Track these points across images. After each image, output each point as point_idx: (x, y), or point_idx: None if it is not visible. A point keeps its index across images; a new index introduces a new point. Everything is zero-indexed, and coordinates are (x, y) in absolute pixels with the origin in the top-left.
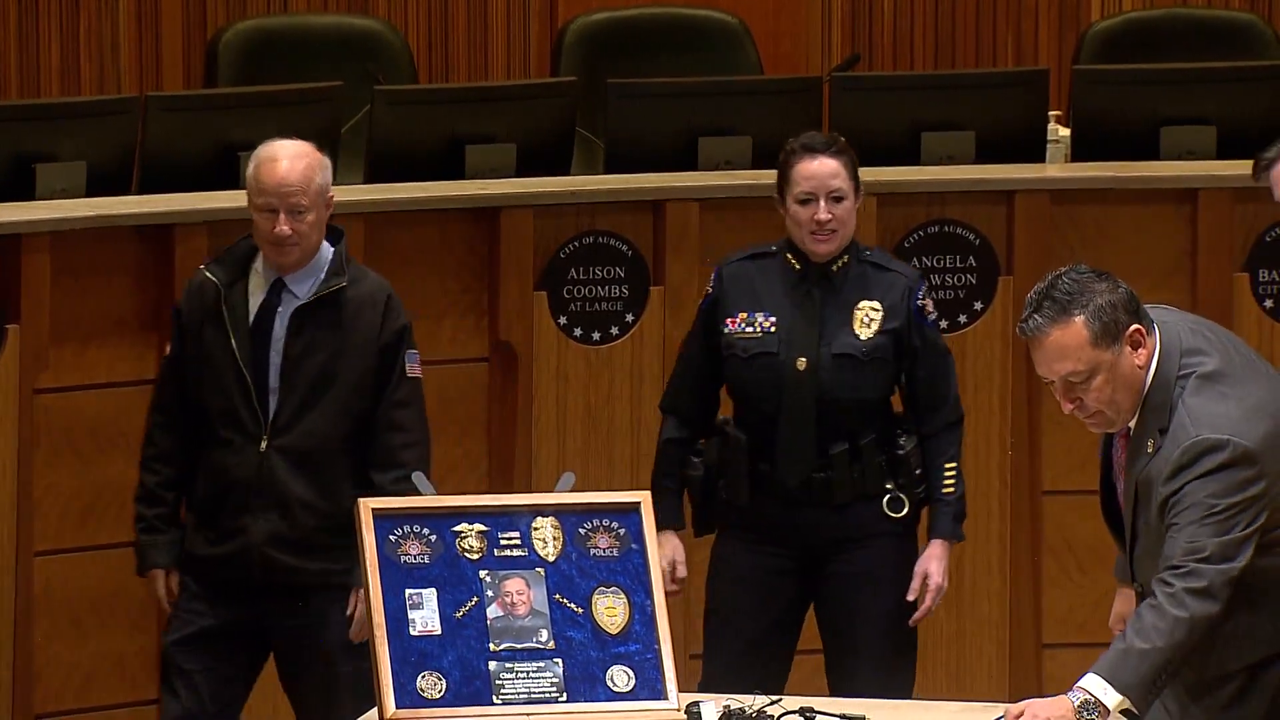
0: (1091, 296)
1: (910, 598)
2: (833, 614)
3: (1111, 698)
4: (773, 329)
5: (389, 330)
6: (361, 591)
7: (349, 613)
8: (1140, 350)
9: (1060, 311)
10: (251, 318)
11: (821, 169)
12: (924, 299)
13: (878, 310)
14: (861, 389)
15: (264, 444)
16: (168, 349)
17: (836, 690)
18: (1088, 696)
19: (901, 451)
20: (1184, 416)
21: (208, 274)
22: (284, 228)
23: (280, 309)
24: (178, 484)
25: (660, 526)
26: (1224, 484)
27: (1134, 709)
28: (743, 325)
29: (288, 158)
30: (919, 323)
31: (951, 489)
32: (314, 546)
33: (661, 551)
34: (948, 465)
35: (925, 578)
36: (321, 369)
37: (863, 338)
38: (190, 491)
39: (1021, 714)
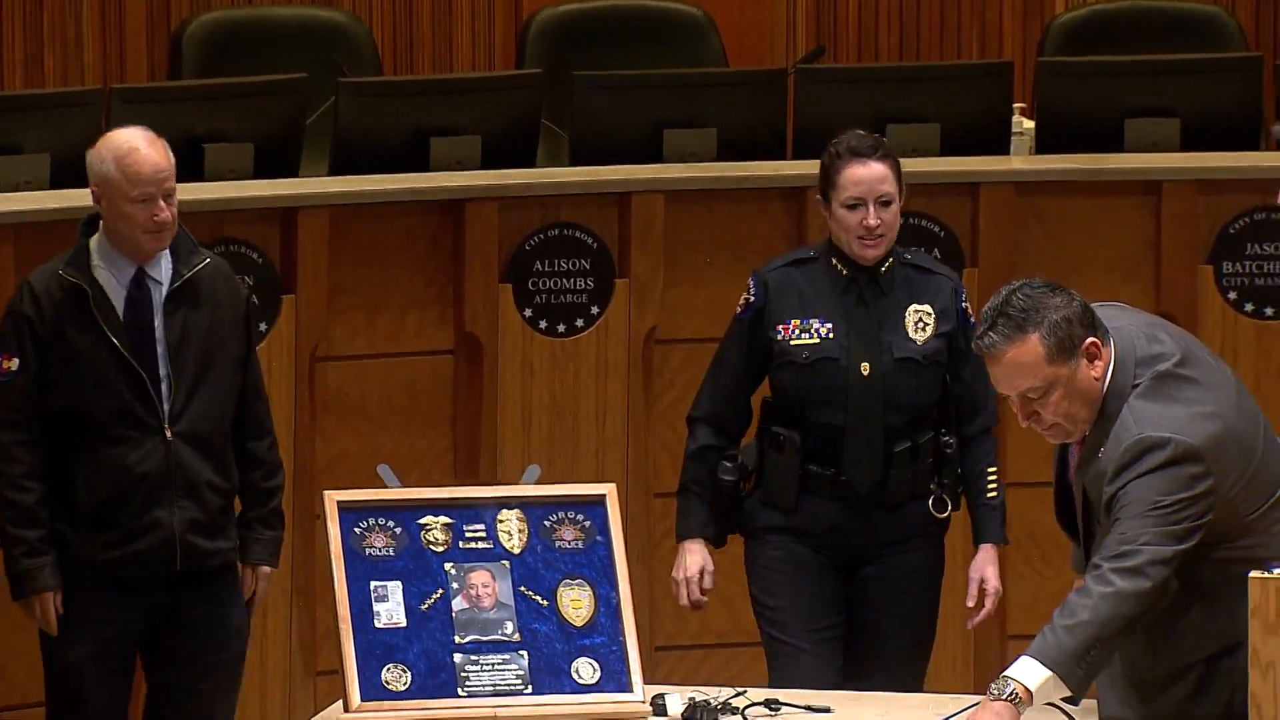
0: (1046, 313)
1: (970, 603)
2: (875, 612)
3: (1036, 673)
4: (830, 335)
5: (241, 299)
6: (263, 569)
7: (247, 592)
8: (1097, 362)
9: (1015, 329)
10: (121, 313)
11: (870, 174)
12: (966, 301)
13: (930, 314)
14: (922, 392)
15: (168, 434)
16: (7, 364)
17: (858, 685)
18: (1004, 678)
19: (949, 452)
20: (1128, 417)
21: (66, 278)
22: (166, 214)
23: (152, 298)
24: (49, 500)
25: (690, 534)
26: (1167, 481)
27: (1067, 688)
28: (798, 332)
29: (147, 144)
30: (965, 325)
31: (995, 493)
32: (220, 527)
33: (691, 559)
34: (990, 470)
35: (982, 582)
36: (201, 350)
37: (919, 341)
38: (68, 502)
39: None
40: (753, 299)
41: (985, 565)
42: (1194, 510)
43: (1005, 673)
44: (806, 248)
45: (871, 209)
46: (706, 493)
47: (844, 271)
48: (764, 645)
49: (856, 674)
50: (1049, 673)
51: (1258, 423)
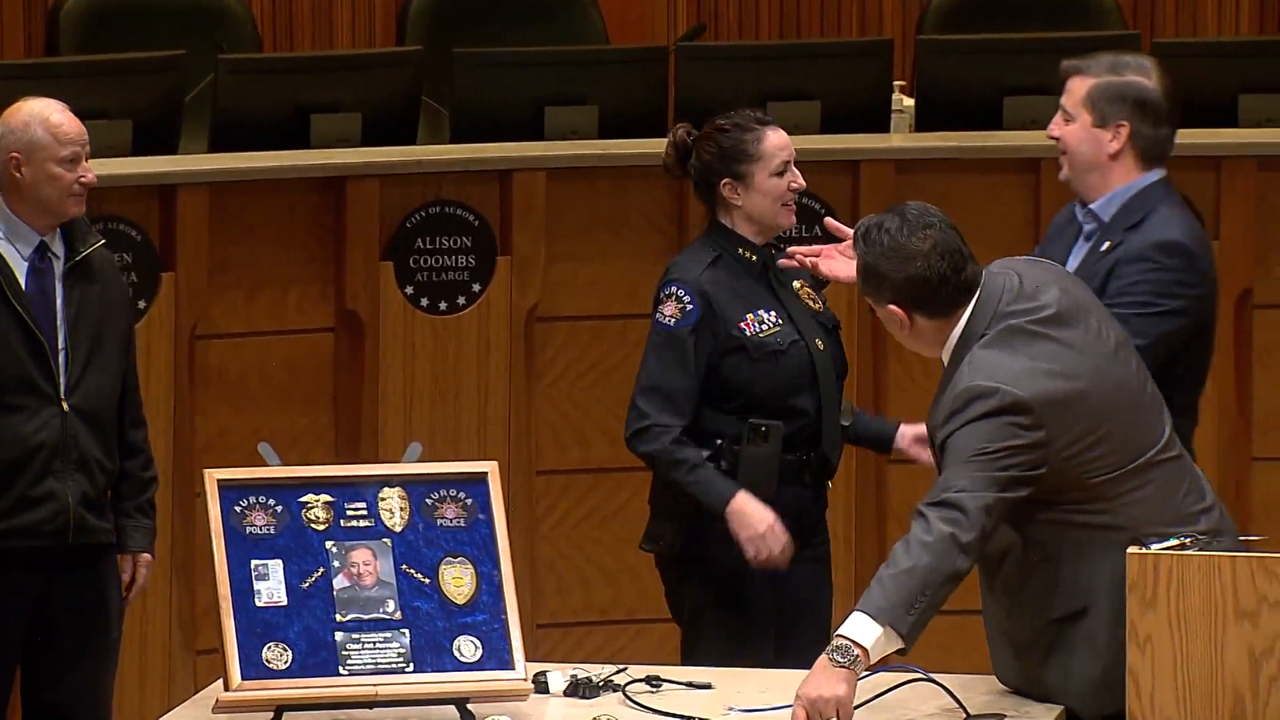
0: (900, 269)
1: None
2: (818, 587)
3: (868, 629)
4: (780, 322)
5: (125, 285)
6: (144, 557)
7: (126, 576)
8: (918, 323)
9: (860, 249)
10: (24, 282)
11: (787, 138)
12: None
13: (806, 286)
14: (845, 360)
15: (64, 405)
16: None
17: (792, 664)
18: (838, 642)
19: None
20: (965, 366)
21: None
22: (91, 175)
23: (54, 270)
24: None
25: (731, 491)
26: (992, 429)
27: (901, 640)
28: (759, 325)
29: (61, 109)
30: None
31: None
32: (103, 507)
33: (753, 508)
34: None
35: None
36: (95, 327)
37: (821, 311)
38: None
39: (804, 711)
40: (690, 309)
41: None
42: (1018, 460)
43: (840, 631)
44: (699, 248)
45: (795, 169)
46: (711, 463)
47: (753, 259)
48: (728, 636)
49: (798, 648)
50: (880, 628)
51: (1127, 392)
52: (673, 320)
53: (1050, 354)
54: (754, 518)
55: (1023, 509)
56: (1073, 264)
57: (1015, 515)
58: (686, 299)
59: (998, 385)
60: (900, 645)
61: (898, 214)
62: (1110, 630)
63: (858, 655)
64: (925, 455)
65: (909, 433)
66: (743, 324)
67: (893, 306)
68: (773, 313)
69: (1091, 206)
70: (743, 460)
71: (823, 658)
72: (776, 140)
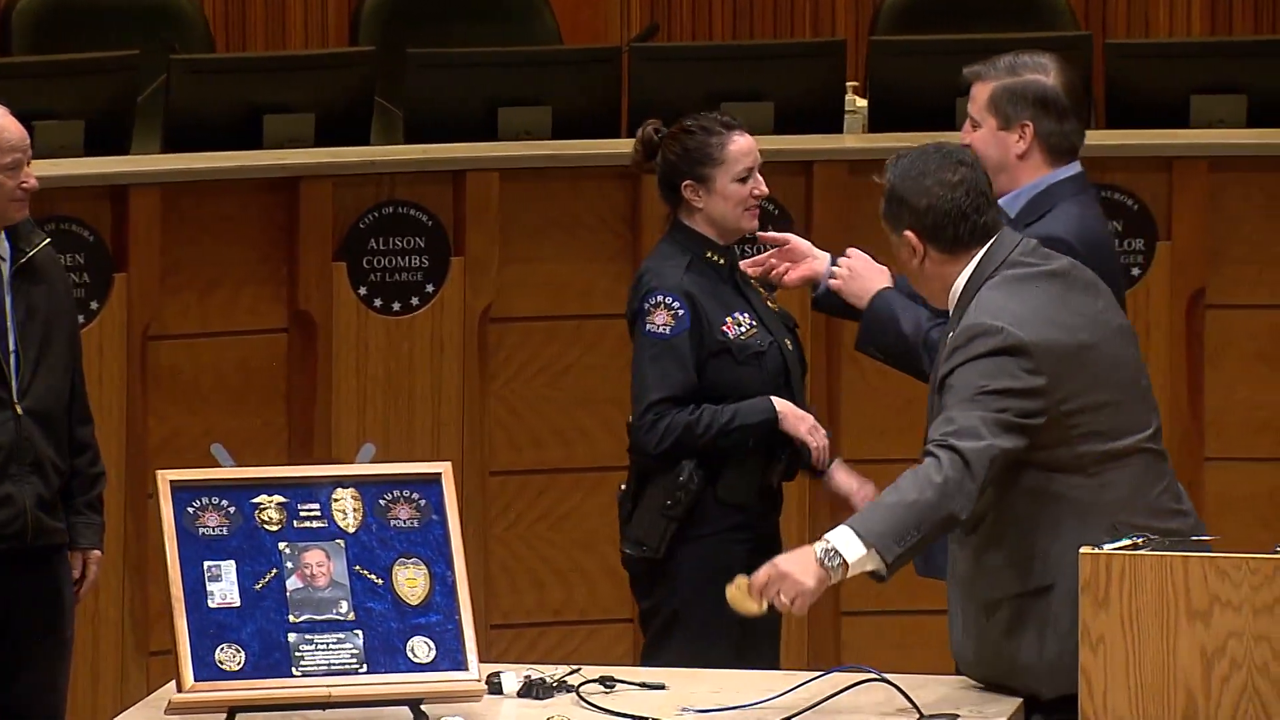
0: (919, 192)
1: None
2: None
3: (855, 547)
4: (754, 324)
5: (69, 281)
6: (94, 554)
7: (76, 573)
8: (929, 257)
9: (889, 173)
10: None
11: (752, 143)
12: None
13: (760, 286)
14: (804, 357)
15: (17, 409)
16: None
17: (745, 665)
18: (829, 545)
19: None
20: (972, 306)
21: None
22: (33, 180)
23: (2, 274)
24: None
25: (765, 401)
26: (993, 368)
27: (883, 565)
28: (738, 328)
29: (3, 114)
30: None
31: None
32: (56, 507)
33: (801, 412)
34: None
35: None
36: (43, 329)
37: (780, 310)
38: None
39: (768, 577)
40: (682, 314)
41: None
42: (1019, 405)
43: (829, 537)
44: (670, 251)
45: (759, 176)
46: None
47: (721, 261)
48: (698, 640)
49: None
50: (866, 549)
51: (1124, 371)
52: (667, 329)
53: (1056, 306)
54: (798, 414)
55: (1007, 472)
56: None
57: (1000, 478)
58: (677, 305)
59: (1002, 325)
60: (882, 571)
61: (934, 146)
62: (1073, 611)
63: (839, 565)
64: (856, 492)
65: (840, 472)
66: (725, 327)
67: (909, 233)
68: (746, 314)
69: (1000, 203)
70: (727, 469)
71: (810, 548)
72: (742, 145)
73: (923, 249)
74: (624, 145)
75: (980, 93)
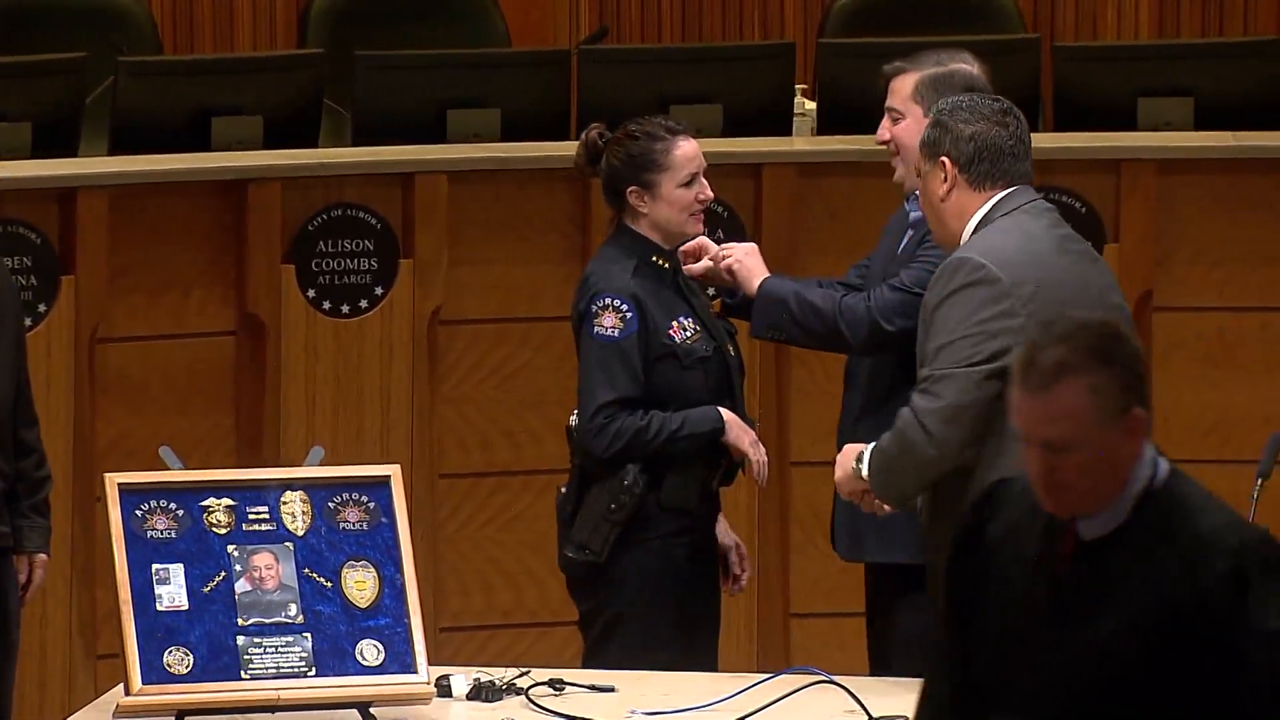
0: (967, 121)
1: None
2: (716, 589)
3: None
4: (699, 328)
5: (14, 283)
6: (40, 557)
7: (22, 577)
8: (957, 187)
9: (937, 106)
10: None
11: (697, 148)
12: None
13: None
14: (743, 363)
15: None
16: None
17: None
18: (864, 456)
19: None
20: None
21: None
22: None
23: None
24: None
25: (717, 413)
26: (973, 303)
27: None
28: (684, 332)
29: None
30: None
31: None
32: (2, 511)
33: (742, 424)
34: None
35: (737, 546)
36: None
37: (719, 315)
38: None
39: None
40: (630, 317)
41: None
42: (994, 344)
43: (866, 453)
44: (615, 254)
45: (705, 181)
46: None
47: (665, 265)
48: (641, 643)
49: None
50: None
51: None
52: (615, 331)
53: (1047, 257)
54: (743, 426)
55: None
56: (900, 252)
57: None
58: (625, 308)
59: (981, 260)
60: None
61: (989, 95)
62: None
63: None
64: (732, 551)
65: (721, 526)
66: (670, 331)
67: (946, 160)
68: (690, 319)
69: (919, 191)
70: (670, 475)
71: (856, 450)
72: (686, 150)
73: (953, 179)
74: (573, 148)
75: (904, 84)
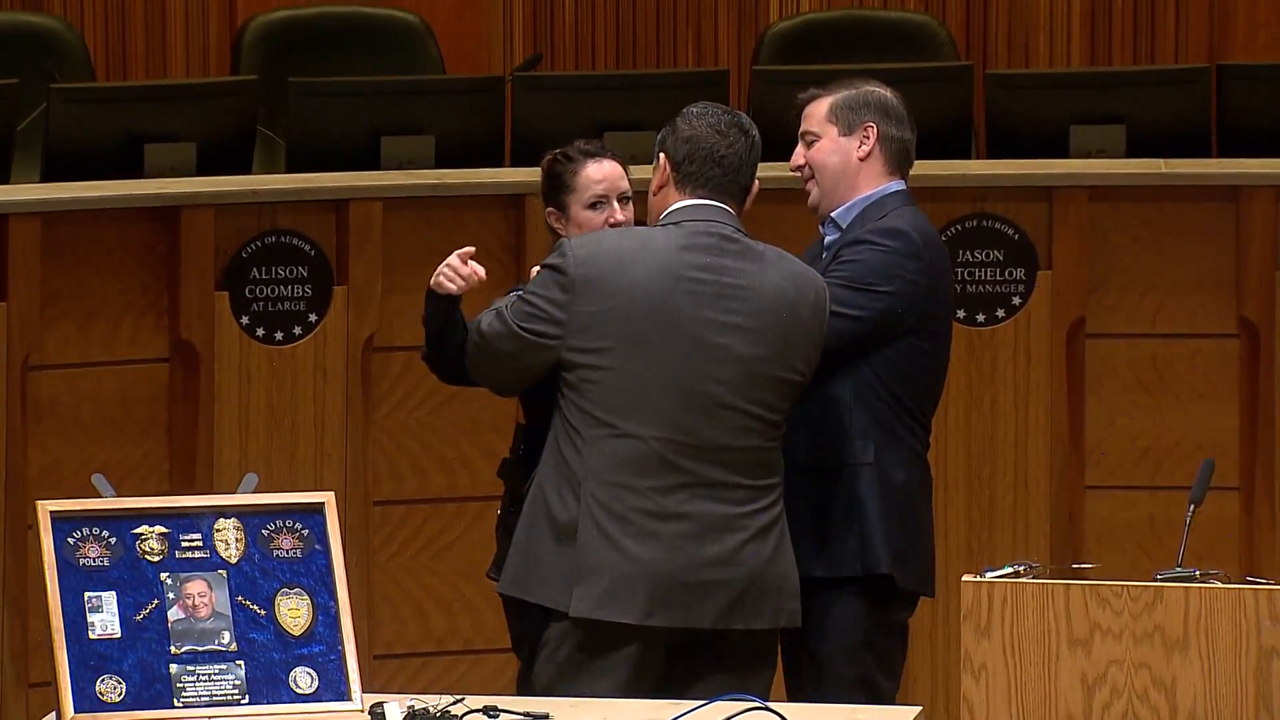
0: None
1: None
2: None
3: None
4: None
5: None
6: None
7: None
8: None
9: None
10: None
11: (611, 171)
12: None
13: None
14: None
15: None
16: None
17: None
18: None
19: None
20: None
21: None
22: None
23: None
24: None
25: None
26: (544, 281)
27: None
28: None
29: None
30: None
31: None
32: None
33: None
34: None
35: None
36: None
37: None
38: None
39: None
40: None
41: None
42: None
43: None
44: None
45: (616, 205)
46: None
47: None
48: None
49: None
50: None
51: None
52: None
53: (637, 273)
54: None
55: None
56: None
57: None
58: None
59: (572, 250)
60: None
61: (729, 110)
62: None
63: None
64: None
65: None
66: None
67: (663, 155)
68: None
69: (833, 215)
70: None
71: None
72: (592, 173)
73: (667, 175)
74: (508, 174)
75: (818, 108)
